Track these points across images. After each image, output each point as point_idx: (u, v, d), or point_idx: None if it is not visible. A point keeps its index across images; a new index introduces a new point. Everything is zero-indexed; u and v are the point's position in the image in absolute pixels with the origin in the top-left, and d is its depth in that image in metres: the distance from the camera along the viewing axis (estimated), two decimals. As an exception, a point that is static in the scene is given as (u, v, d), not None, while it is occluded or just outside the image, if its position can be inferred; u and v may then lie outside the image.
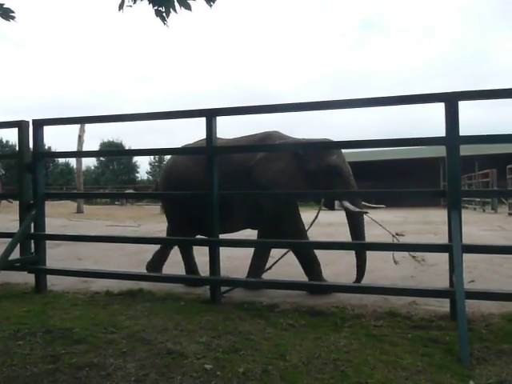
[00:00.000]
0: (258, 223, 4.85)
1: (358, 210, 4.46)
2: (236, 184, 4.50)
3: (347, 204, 4.44)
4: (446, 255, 3.61)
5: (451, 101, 3.52)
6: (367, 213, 4.47)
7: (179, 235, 5.03)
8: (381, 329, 3.29)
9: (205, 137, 4.69)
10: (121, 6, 2.45)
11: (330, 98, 3.99)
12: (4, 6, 2.45)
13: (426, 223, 12.46)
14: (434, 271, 5.30)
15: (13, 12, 2.49)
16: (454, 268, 3.29)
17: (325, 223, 12.82)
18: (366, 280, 4.60)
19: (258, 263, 4.88)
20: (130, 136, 62.25)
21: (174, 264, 6.18)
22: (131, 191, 29.05)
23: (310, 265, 4.62)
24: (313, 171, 4.53)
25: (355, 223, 4.57)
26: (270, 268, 4.79)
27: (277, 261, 4.75)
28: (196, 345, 2.95)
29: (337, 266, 5.81)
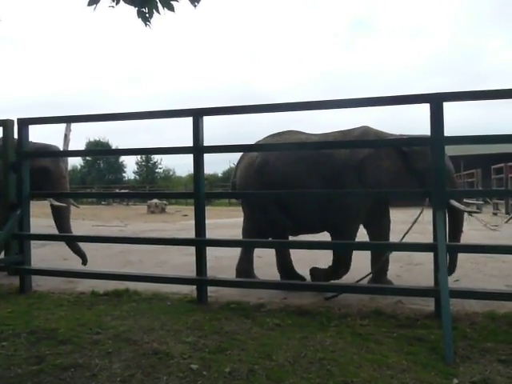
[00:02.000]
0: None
1: (463, 207, 4.24)
2: (339, 182, 4.38)
3: (455, 203, 4.19)
4: (431, 255, 3.65)
5: (436, 102, 3.56)
6: (478, 212, 4.37)
7: (259, 236, 4.82)
8: (366, 328, 3.32)
9: (276, 131, 4.73)
10: (92, 3, 2.38)
11: (321, 98, 4.02)
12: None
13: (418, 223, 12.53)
14: (419, 270, 5.35)
15: (-3, 15, 2.46)
16: (439, 267, 3.32)
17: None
18: (353, 280, 4.62)
19: (381, 265, 4.63)
20: (117, 135, 61.92)
21: (163, 264, 6.17)
22: (126, 191, 28.85)
23: (338, 267, 4.53)
24: (420, 170, 4.30)
25: (457, 222, 4.32)
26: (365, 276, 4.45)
27: (377, 267, 4.52)
28: (182, 345, 2.95)
29: (322, 266, 5.82)
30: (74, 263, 5.80)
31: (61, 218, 5.89)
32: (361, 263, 5.31)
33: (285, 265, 4.89)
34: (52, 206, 5.72)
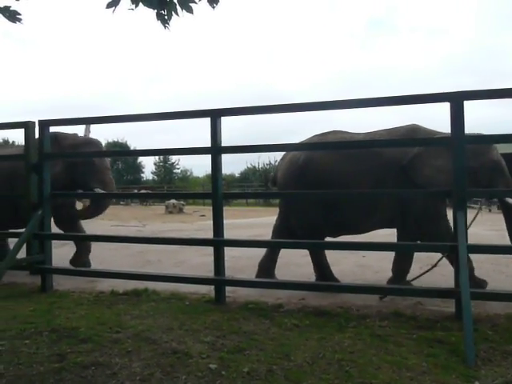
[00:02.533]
0: (401, 223, 4.58)
1: None
2: (389, 182, 4.32)
3: (511, 200, 4.15)
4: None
5: (457, 100, 3.52)
6: None
7: (310, 236, 4.64)
8: (385, 329, 3.29)
9: (325, 131, 4.71)
10: (110, 5, 2.40)
11: (339, 98, 3.99)
12: (11, 9, 2.47)
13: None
14: (439, 271, 5.28)
15: (19, 14, 2.51)
16: (460, 268, 3.28)
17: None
18: (372, 281, 4.60)
19: (403, 267, 4.65)
20: (135, 136, 62.40)
21: (181, 264, 6.21)
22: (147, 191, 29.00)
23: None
24: (474, 168, 4.20)
25: None
26: (418, 276, 4.40)
27: (432, 267, 4.41)
28: (201, 344, 2.96)
29: (342, 266, 5.81)
30: (93, 263, 5.88)
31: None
32: (386, 264, 5.30)
33: (321, 265, 4.84)
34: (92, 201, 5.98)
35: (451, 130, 3.56)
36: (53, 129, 4.91)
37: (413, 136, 4.39)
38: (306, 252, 6.38)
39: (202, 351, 2.84)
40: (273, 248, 4.97)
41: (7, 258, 4.55)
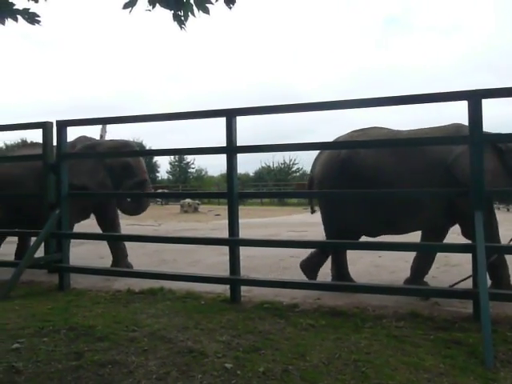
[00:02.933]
0: (446, 223, 4.50)
1: None
2: (432, 181, 4.22)
3: None
4: (468, 255, 3.57)
5: (475, 99, 3.47)
6: None
7: (349, 236, 4.56)
8: (402, 330, 3.26)
9: (359, 128, 4.66)
10: (127, 6, 2.41)
11: (354, 97, 3.98)
12: (30, 11, 2.50)
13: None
14: (457, 272, 5.22)
15: (38, 16, 2.54)
16: (478, 268, 3.24)
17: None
18: (388, 280, 4.56)
19: (423, 268, 4.59)
20: (151, 136, 62.76)
21: (196, 263, 6.24)
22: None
23: (496, 268, 4.21)
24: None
25: None
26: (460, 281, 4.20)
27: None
28: (216, 344, 2.97)
29: (358, 266, 5.78)
30: (110, 262, 5.93)
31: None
32: (402, 264, 5.26)
33: (340, 265, 4.78)
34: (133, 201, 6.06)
35: (469, 129, 3.52)
36: (70, 129, 4.95)
37: (457, 135, 4.23)
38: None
39: (217, 350, 2.84)
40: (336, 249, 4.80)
41: (26, 256, 4.62)
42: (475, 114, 3.46)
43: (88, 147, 5.80)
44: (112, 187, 5.81)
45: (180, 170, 47.58)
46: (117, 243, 5.84)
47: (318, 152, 4.95)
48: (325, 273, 5.37)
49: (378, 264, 6.00)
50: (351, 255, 5.81)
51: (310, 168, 5.15)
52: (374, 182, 4.31)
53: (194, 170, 48.03)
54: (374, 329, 3.29)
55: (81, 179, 5.60)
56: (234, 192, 4.15)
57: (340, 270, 4.78)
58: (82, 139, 6.03)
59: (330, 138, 4.67)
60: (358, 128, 4.80)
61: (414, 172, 4.28)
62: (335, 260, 4.80)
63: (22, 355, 2.80)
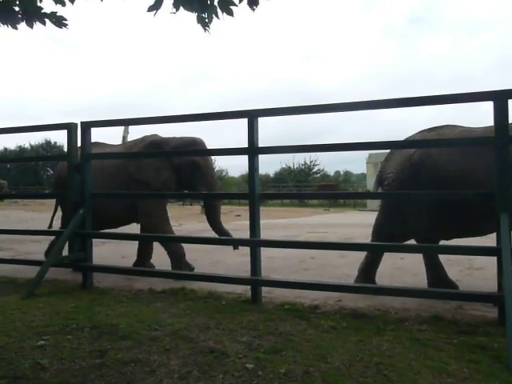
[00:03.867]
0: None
1: None
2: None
3: None
4: (493, 259, 3.50)
5: (501, 99, 3.41)
6: None
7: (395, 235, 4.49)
8: (425, 333, 3.22)
9: (437, 125, 4.54)
10: (152, 9, 2.43)
11: (378, 95, 3.95)
12: (57, 15, 2.55)
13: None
14: (481, 275, 5.14)
15: (65, 20, 2.59)
16: (503, 272, 3.18)
17: (366, 224, 12.63)
18: (410, 283, 4.51)
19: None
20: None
21: (217, 263, 6.26)
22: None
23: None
24: None
25: None
26: None
27: None
28: (237, 344, 2.98)
29: (380, 268, 5.72)
30: (131, 261, 5.99)
31: (214, 214, 5.86)
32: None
33: (370, 267, 4.76)
34: (205, 203, 5.94)
35: (495, 130, 3.46)
36: (94, 130, 5.01)
37: None
38: (343, 253, 6.35)
39: (238, 351, 2.85)
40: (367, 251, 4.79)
41: (50, 255, 4.71)
42: (501, 114, 3.40)
43: (153, 144, 5.73)
44: (177, 187, 5.74)
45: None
46: (173, 245, 5.60)
47: (388, 151, 4.91)
48: (345, 274, 5.35)
49: (400, 266, 5.94)
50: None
51: (379, 168, 5.00)
52: (450, 184, 4.12)
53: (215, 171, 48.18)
54: (396, 332, 3.25)
55: (146, 176, 5.59)
56: (255, 193, 4.15)
57: (367, 271, 4.73)
58: (149, 136, 5.98)
59: (354, 138, 4.65)
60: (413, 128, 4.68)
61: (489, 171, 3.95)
62: (369, 261, 4.75)
63: (47, 352, 2.85)
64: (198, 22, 2.47)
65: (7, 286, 4.85)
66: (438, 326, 3.37)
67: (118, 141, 22.87)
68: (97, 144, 5.93)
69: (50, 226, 6.45)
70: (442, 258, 5.31)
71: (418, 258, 5.92)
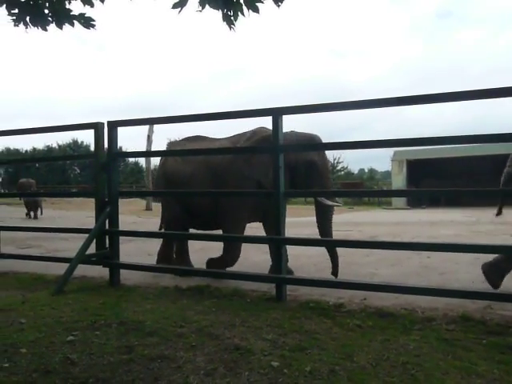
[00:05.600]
0: None
1: None
2: None
3: None
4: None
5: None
6: None
7: None
8: (453, 333, 3.17)
9: None
10: (176, 6, 2.44)
11: (406, 92, 3.88)
12: (85, 16, 2.60)
13: (502, 224, 11.82)
14: (510, 274, 5.03)
15: (93, 20, 2.64)
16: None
17: (391, 222, 12.50)
18: (437, 282, 4.44)
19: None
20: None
21: (242, 261, 6.27)
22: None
23: None
24: None
25: None
26: None
27: None
28: (263, 342, 2.98)
29: (405, 267, 5.66)
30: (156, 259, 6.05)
31: (325, 217, 5.21)
32: (452, 265, 5.12)
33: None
34: (318, 204, 5.20)
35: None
36: (120, 129, 5.08)
37: None
38: (368, 251, 6.30)
39: (263, 348, 2.86)
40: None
41: (78, 252, 4.79)
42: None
43: (266, 140, 5.03)
44: (289, 187, 5.08)
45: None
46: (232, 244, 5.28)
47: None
48: (370, 272, 5.31)
49: (427, 265, 5.85)
50: (400, 255, 5.71)
51: (508, 163, 4.63)
52: None
53: (238, 169, 48.25)
54: (423, 331, 3.21)
55: (256, 175, 5.14)
56: (280, 191, 4.15)
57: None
58: (258, 130, 5.40)
59: (383, 136, 4.59)
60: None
61: None
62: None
63: (76, 347, 2.91)
64: (224, 20, 2.47)
65: (37, 283, 4.96)
66: (466, 326, 3.32)
67: (143, 140, 23.12)
68: (197, 138, 5.79)
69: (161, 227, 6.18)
70: (470, 256, 5.23)
71: (445, 257, 5.85)
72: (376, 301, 4.06)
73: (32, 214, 16.07)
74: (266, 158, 4.92)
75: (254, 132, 5.39)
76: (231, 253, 5.24)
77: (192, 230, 5.83)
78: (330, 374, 2.50)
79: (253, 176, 5.15)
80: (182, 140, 6.04)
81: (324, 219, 5.13)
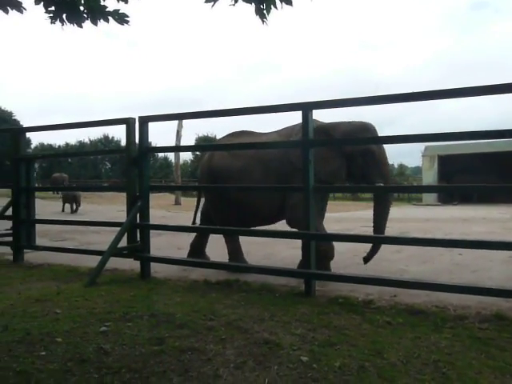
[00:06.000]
0: None
1: None
2: None
3: None
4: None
5: None
6: None
7: None
8: (486, 332, 3.11)
9: None
10: (209, 0, 2.44)
11: (439, 84, 3.80)
12: (119, 12, 2.64)
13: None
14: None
15: (127, 17, 2.68)
16: None
17: (422, 219, 12.32)
18: (469, 280, 4.36)
19: None
20: (226, 131, 63.91)
21: (270, 256, 6.29)
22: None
23: None
24: None
25: None
26: None
27: None
28: (292, 336, 2.99)
29: (437, 264, 5.57)
30: (186, 252, 6.11)
31: (382, 213, 5.07)
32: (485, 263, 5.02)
33: None
34: (377, 199, 5.13)
35: None
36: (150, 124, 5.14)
37: None
38: (398, 248, 6.22)
39: (292, 343, 2.87)
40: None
41: (110, 245, 4.89)
42: None
43: (319, 131, 4.91)
44: (346, 180, 5.17)
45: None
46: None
47: None
48: (400, 269, 5.25)
49: (458, 262, 5.74)
50: (432, 253, 5.62)
51: None
52: None
53: (266, 164, 48.27)
54: (455, 329, 3.16)
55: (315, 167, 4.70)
56: (309, 185, 4.14)
57: None
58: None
59: (414, 130, 4.50)
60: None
61: None
62: None
63: (109, 338, 2.97)
64: (257, 14, 2.46)
65: (71, 275, 5.09)
66: (500, 325, 3.25)
67: (172, 135, 23.39)
68: (243, 133, 5.70)
69: (194, 221, 6.11)
70: (503, 254, 5.12)
71: (478, 254, 5.73)
72: (406, 298, 4.01)
73: (70, 207, 16.11)
74: (323, 149, 4.82)
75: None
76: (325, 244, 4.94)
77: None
78: (359, 370, 2.49)
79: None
80: (227, 136, 5.88)
81: (380, 214, 5.04)
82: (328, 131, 5.00)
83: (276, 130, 5.53)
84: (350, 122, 5.10)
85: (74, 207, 16.11)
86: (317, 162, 4.64)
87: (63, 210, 16.43)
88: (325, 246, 4.85)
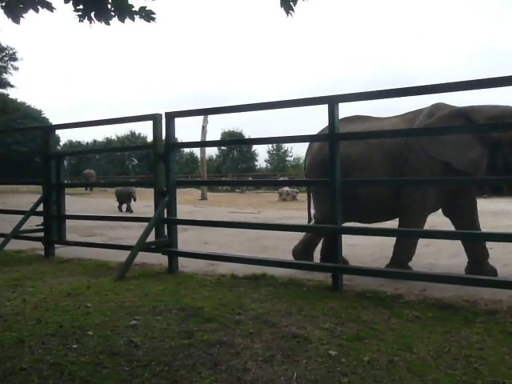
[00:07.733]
0: None
1: None
2: None
3: None
4: None
5: None
6: None
7: None
8: (519, 327, 3.05)
9: None
10: None
11: (474, 76, 3.72)
12: (146, 9, 2.67)
13: None
14: None
15: (154, 14, 2.70)
16: None
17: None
18: (501, 274, 4.27)
19: None
20: (251, 125, 63.90)
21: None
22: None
23: None
24: None
25: None
26: None
27: None
28: (320, 330, 2.99)
29: (466, 258, 5.46)
30: (213, 247, 6.17)
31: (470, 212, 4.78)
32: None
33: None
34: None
35: None
36: (177, 120, 5.18)
37: None
38: (427, 241, 6.13)
39: (321, 337, 2.86)
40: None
41: (138, 240, 4.96)
42: None
43: (454, 115, 4.54)
44: (487, 171, 4.58)
45: (278, 159, 48.05)
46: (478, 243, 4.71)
47: None
48: (429, 263, 5.17)
49: (489, 256, 5.62)
50: (459, 247, 5.50)
51: None
52: None
53: (291, 159, 48.24)
54: (486, 324, 3.10)
55: (446, 156, 4.49)
56: (336, 180, 4.11)
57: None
58: (441, 106, 4.75)
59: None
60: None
61: None
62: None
63: (138, 331, 3.02)
64: (282, 6, 2.44)
65: (101, 269, 5.18)
66: (533, 320, 3.18)
67: (197, 131, 23.54)
68: (358, 118, 5.16)
69: (309, 220, 5.63)
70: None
71: (509, 248, 5.59)
72: (436, 292, 3.95)
73: (126, 207, 14.42)
74: (460, 136, 4.45)
75: (436, 107, 4.75)
76: (405, 249, 4.74)
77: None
78: (388, 365, 2.47)
79: (440, 156, 4.52)
80: (341, 121, 4.73)
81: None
82: (468, 115, 4.51)
83: (400, 114, 5.06)
84: (495, 106, 4.61)
85: (126, 206, 14.46)
86: (453, 150, 4.40)
87: (120, 210, 14.60)
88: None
